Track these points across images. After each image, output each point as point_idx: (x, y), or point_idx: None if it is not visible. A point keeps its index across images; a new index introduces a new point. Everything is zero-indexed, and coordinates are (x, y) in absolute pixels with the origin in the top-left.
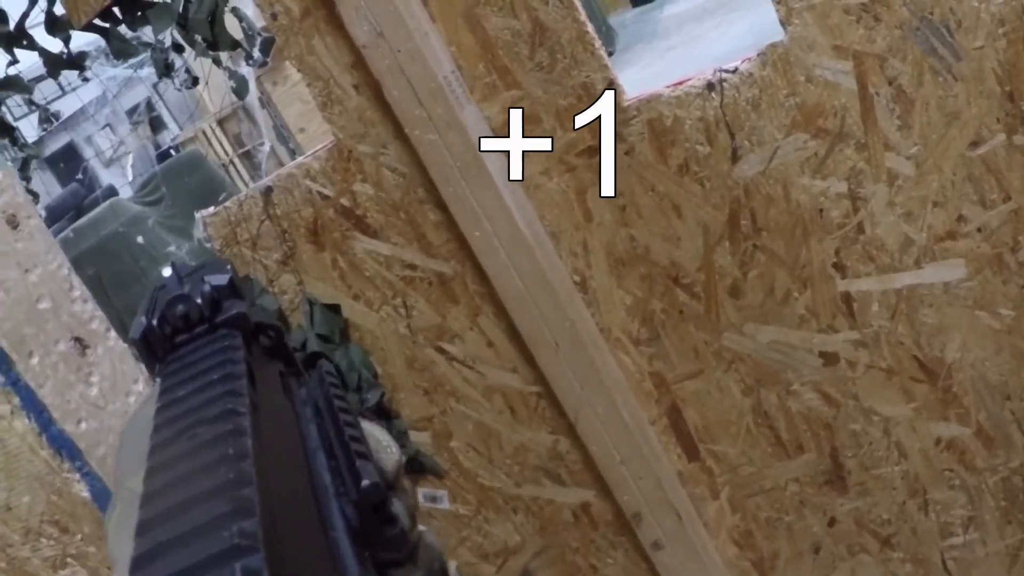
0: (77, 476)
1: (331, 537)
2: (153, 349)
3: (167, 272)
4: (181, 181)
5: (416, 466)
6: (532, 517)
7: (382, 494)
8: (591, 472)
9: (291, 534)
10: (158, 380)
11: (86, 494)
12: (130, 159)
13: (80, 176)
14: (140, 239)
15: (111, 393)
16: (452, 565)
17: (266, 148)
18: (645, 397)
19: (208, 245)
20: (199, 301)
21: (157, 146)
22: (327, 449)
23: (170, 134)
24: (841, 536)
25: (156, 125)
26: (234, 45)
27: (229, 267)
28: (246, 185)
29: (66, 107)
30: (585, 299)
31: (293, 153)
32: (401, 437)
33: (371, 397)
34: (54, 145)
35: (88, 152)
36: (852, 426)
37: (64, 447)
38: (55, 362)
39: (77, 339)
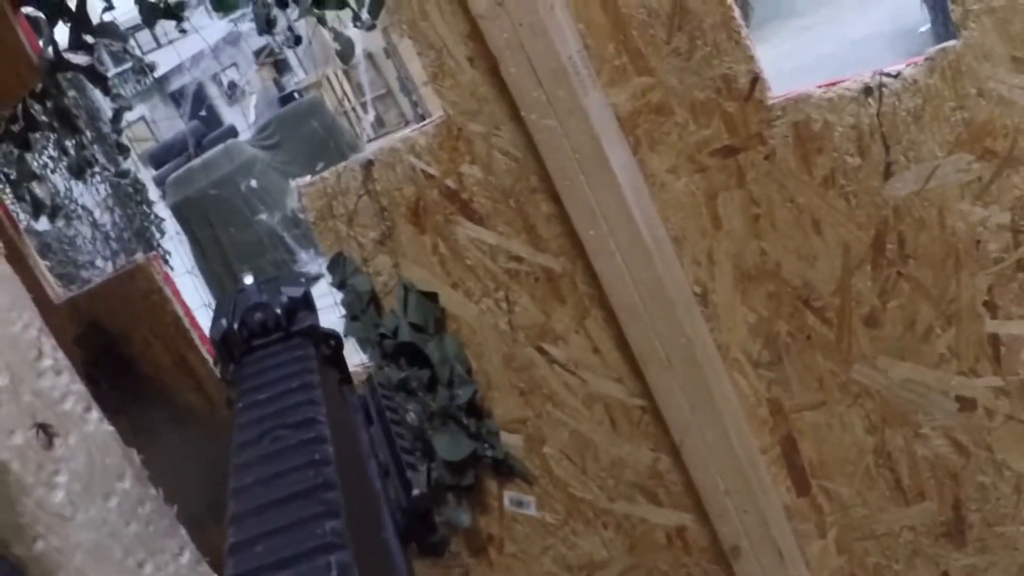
0: None
1: (384, 540)
2: (230, 350)
3: (248, 280)
4: (299, 127)
5: (504, 469)
6: (622, 534)
7: (430, 504)
8: (691, 496)
9: (357, 536)
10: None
11: None
12: (253, 100)
13: (203, 114)
14: (253, 183)
15: (83, 497)
16: None
17: (370, 116)
18: (759, 424)
19: (302, 216)
20: (278, 311)
21: (280, 88)
22: (376, 456)
23: (294, 77)
24: None
25: (281, 67)
26: (341, 4)
27: (303, 280)
28: (365, 136)
29: (163, 60)
30: (704, 313)
31: (415, 105)
32: (491, 437)
33: (463, 394)
34: (178, 83)
35: (213, 90)
36: (981, 478)
37: None
38: (6, 460)
39: (42, 426)
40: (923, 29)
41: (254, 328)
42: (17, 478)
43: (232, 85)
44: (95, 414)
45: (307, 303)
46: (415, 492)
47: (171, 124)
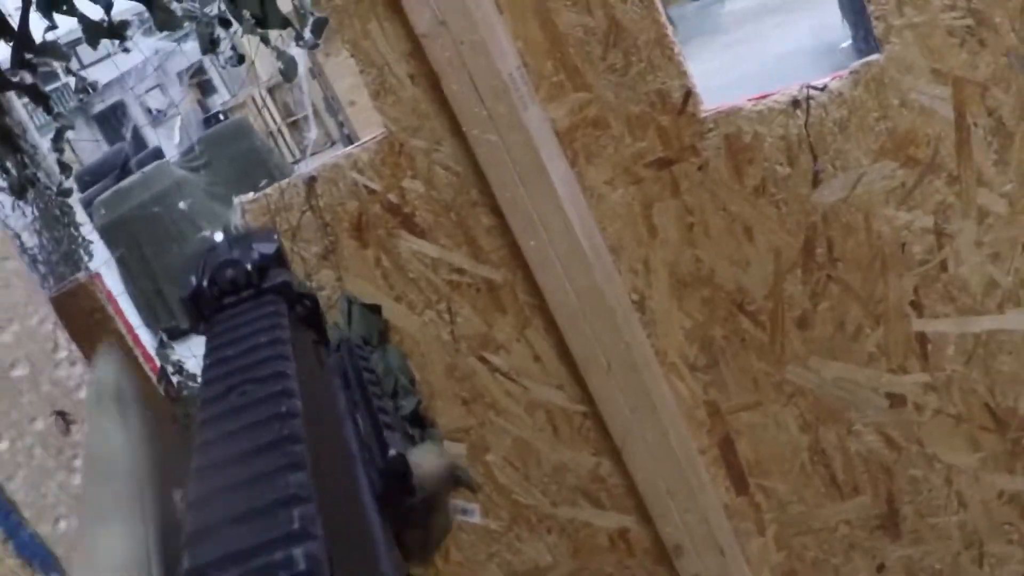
0: None
1: (359, 501)
2: (200, 308)
3: (219, 236)
4: (227, 148)
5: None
6: (566, 538)
7: (407, 465)
8: (632, 498)
9: (328, 493)
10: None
11: None
12: (178, 121)
13: (128, 136)
14: (182, 204)
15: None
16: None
17: (312, 134)
18: (697, 426)
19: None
20: (248, 267)
21: (206, 110)
22: (353, 418)
23: (220, 98)
24: None
25: (205, 89)
26: (284, 24)
27: (276, 236)
28: (292, 156)
29: (108, 71)
30: (642, 319)
31: (341, 125)
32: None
33: (407, 404)
34: (103, 104)
35: (138, 112)
36: (912, 472)
37: (36, 556)
38: (30, 446)
39: (60, 413)
40: (844, 45)
41: (224, 285)
42: (40, 462)
43: (150, 111)
44: None
45: (280, 259)
46: (391, 452)
47: (95, 147)
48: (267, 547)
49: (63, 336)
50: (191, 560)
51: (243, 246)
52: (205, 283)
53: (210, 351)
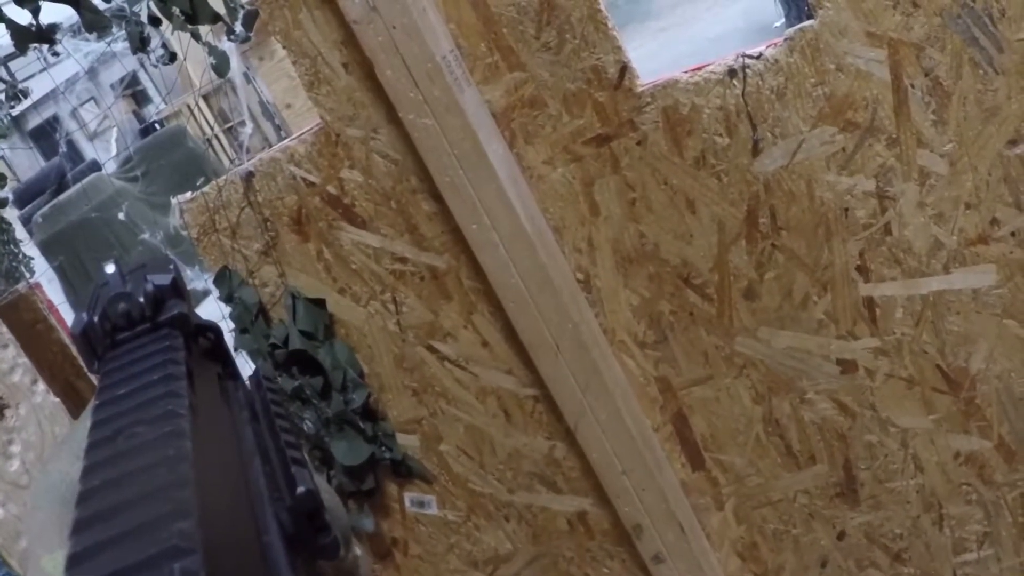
0: None
1: (265, 542)
2: (93, 346)
3: (110, 269)
4: (164, 156)
5: (403, 470)
6: (525, 525)
7: (317, 501)
8: (589, 480)
9: (226, 537)
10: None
11: None
12: (114, 133)
13: (63, 150)
14: (121, 215)
15: (38, 466)
16: None
17: (248, 130)
18: (649, 403)
19: (184, 233)
20: (141, 300)
21: (141, 120)
22: (262, 454)
23: (155, 108)
24: (850, 550)
25: (140, 99)
26: (215, 18)
27: (172, 267)
28: (230, 161)
29: (41, 86)
30: (589, 299)
31: (279, 129)
32: (388, 439)
33: (356, 398)
34: (38, 119)
35: (72, 126)
36: (868, 437)
37: None
38: None
39: None
40: (777, 24)
41: (117, 320)
42: None
43: (85, 125)
44: (41, 386)
45: (176, 290)
46: (299, 489)
47: (31, 162)
48: None
49: None
50: None
51: (136, 278)
52: (96, 319)
53: (100, 391)
